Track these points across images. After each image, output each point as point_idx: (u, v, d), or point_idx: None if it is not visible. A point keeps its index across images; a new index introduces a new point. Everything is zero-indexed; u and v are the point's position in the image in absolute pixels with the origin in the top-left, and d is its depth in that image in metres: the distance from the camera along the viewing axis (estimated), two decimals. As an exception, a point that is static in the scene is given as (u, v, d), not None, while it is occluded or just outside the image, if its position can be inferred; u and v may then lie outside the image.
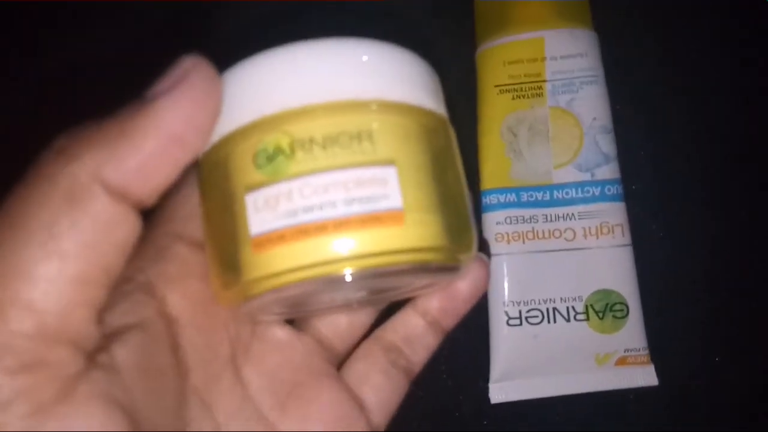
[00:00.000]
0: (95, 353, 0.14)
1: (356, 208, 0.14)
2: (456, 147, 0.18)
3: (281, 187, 0.15)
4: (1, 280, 0.13)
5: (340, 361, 0.21)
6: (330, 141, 0.15)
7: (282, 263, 0.15)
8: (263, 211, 0.15)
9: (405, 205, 0.15)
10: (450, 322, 0.21)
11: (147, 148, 0.14)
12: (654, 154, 0.30)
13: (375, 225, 0.14)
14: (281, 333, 0.20)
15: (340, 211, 0.14)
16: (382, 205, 0.15)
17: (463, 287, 0.20)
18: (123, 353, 0.15)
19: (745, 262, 0.29)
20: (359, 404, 0.20)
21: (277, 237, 0.15)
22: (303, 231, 0.14)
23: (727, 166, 0.30)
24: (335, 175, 0.15)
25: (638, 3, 0.32)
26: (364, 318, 0.21)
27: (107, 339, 0.15)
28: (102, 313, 0.14)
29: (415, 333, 0.21)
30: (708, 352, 0.29)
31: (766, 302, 0.29)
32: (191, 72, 0.14)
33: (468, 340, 0.29)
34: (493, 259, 0.29)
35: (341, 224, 0.14)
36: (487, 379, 0.28)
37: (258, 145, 0.15)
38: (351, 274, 0.15)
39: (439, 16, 0.32)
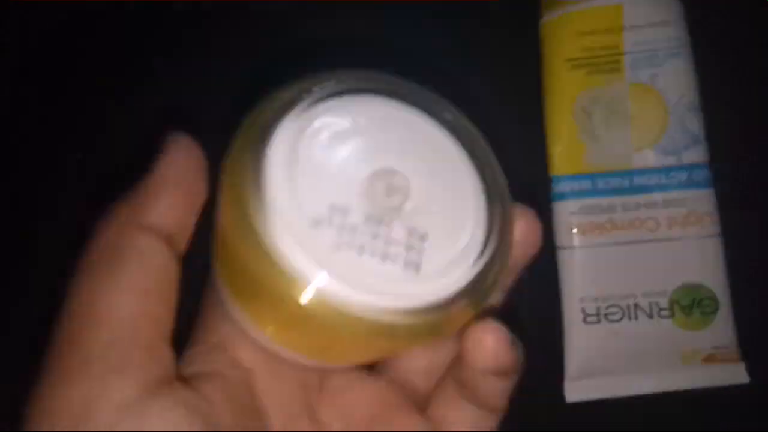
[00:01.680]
0: (176, 377, 0.16)
1: None
2: None
3: None
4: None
5: (426, 400, 0.20)
6: None
7: None
8: None
9: None
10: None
11: (165, 192, 0.16)
12: (746, 134, 0.27)
13: None
14: (352, 372, 0.20)
15: None
16: None
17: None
18: (209, 387, 0.16)
19: None
20: None
21: None
22: None
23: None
24: None
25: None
26: (445, 355, 0.20)
27: (189, 378, 0.16)
28: (171, 341, 0.16)
29: (480, 383, 0.19)
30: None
31: None
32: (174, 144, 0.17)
33: (541, 338, 0.27)
34: (567, 252, 0.26)
35: None
36: (561, 378, 0.26)
37: None
38: None
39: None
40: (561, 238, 0.27)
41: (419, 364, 0.20)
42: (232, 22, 0.29)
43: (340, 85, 0.17)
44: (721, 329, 0.26)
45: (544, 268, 0.27)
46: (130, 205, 0.16)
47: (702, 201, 0.26)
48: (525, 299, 0.28)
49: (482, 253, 0.16)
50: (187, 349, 0.18)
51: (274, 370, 0.18)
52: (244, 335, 0.18)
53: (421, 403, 0.20)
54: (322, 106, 0.16)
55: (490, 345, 0.17)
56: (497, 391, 0.18)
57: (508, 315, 0.28)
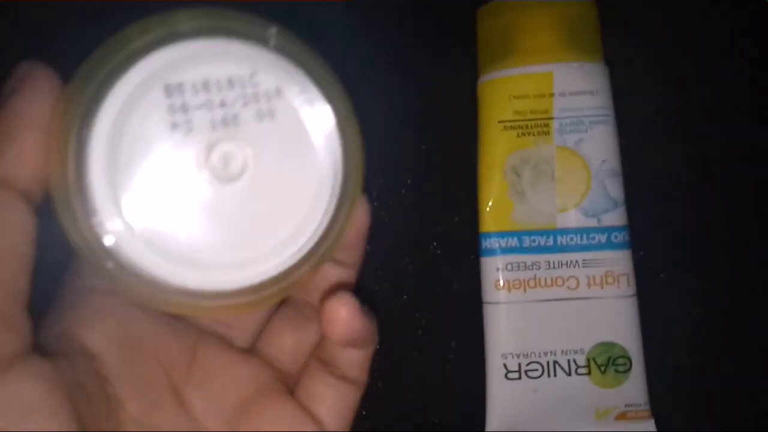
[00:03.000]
0: (33, 347, 0.15)
1: None
2: None
3: None
4: None
5: (294, 381, 0.22)
6: None
7: None
8: None
9: None
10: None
11: (18, 139, 0.15)
12: (663, 198, 0.29)
13: None
14: (224, 355, 0.20)
15: None
16: None
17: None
18: (52, 368, 0.16)
19: (754, 311, 0.28)
20: (311, 416, 0.20)
21: None
22: None
23: (743, 210, 0.29)
24: None
25: (650, 30, 0.30)
26: (310, 335, 0.22)
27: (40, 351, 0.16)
28: (26, 303, 0.15)
29: (339, 355, 0.21)
30: (709, 403, 0.28)
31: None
32: (29, 74, 0.15)
33: (463, 392, 0.28)
34: (492, 308, 0.27)
35: None
36: (482, 432, 0.27)
37: None
38: None
39: (440, 39, 0.30)
40: (487, 294, 0.27)
41: (285, 344, 0.21)
42: None
43: (192, 24, 0.15)
44: (634, 388, 0.27)
45: (470, 322, 0.28)
46: None
47: (620, 262, 0.27)
48: (450, 353, 0.28)
49: (302, 247, 0.16)
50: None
51: (128, 356, 0.18)
52: (93, 322, 0.18)
53: (290, 383, 0.21)
54: (167, 57, 0.15)
55: (344, 315, 0.18)
56: (356, 362, 0.20)
57: (432, 366, 0.29)
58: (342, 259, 0.21)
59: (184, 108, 0.15)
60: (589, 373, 0.27)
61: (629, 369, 0.27)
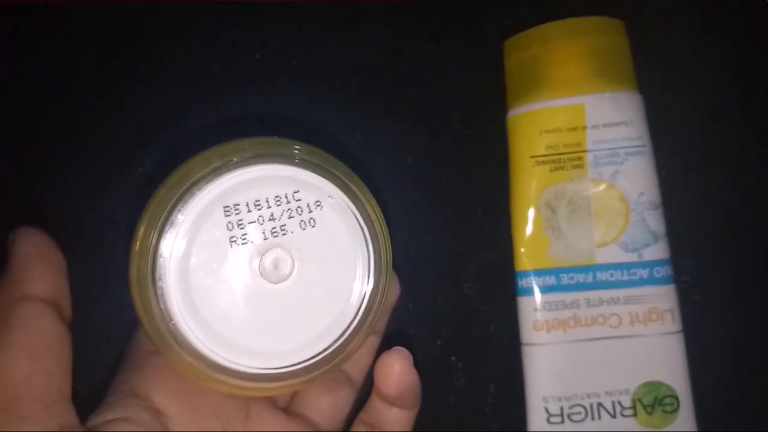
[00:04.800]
0: (78, 427, 0.17)
1: None
2: None
3: None
4: None
5: None
6: None
7: None
8: None
9: None
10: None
11: (32, 264, 0.18)
12: (705, 230, 0.28)
13: None
14: (273, 416, 0.22)
15: None
16: None
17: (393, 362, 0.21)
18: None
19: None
20: None
21: None
22: None
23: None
24: None
25: (686, 55, 0.29)
26: (344, 397, 0.23)
27: (97, 428, 0.18)
28: (70, 396, 0.17)
29: (385, 417, 0.22)
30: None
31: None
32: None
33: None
34: (531, 350, 0.26)
35: None
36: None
37: None
38: None
39: (467, 72, 0.29)
40: (526, 335, 0.26)
41: (322, 407, 0.23)
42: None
43: (247, 155, 0.18)
44: (683, 427, 0.26)
45: (509, 365, 0.27)
46: (4, 284, 0.18)
47: (663, 298, 0.26)
48: (489, 397, 0.27)
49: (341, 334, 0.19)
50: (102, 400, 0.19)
51: (191, 412, 0.20)
52: (157, 380, 0.20)
53: None
54: (226, 184, 0.18)
55: (398, 370, 0.21)
56: (400, 423, 0.22)
57: (471, 412, 0.28)
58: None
59: (240, 224, 0.18)
60: (635, 415, 0.26)
61: (677, 409, 0.26)
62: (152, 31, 0.27)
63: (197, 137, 0.20)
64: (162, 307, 0.17)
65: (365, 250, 0.19)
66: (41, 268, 0.18)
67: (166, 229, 0.17)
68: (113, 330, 0.24)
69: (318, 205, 0.19)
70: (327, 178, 0.19)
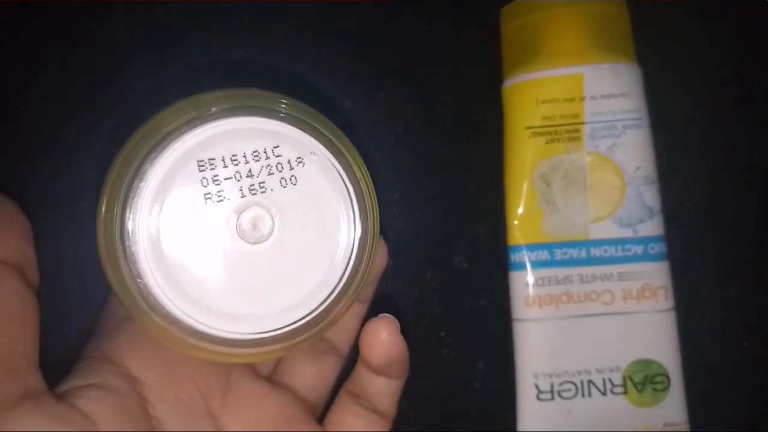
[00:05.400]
0: (45, 392, 0.17)
1: None
2: None
3: None
4: None
5: (317, 412, 0.23)
6: None
7: None
8: None
9: None
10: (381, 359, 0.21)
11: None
12: (702, 207, 0.27)
13: None
14: (256, 385, 0.21)
15: None
16: None
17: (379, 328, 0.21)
18: (88, 398, 0.17)
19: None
20: None
21: None
22: None
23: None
24: None
25: (685, 28, 0.28)
26: (329, 367, 0.23)
27: (66, 395, 0.17)
28: (36, 364, 0.17)
29: (371, 386, 0.22)
30: (751, 422, 0.27)
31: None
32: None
33: (493, 414, 0.26)
34: (522, 325, 0.26)
35: None
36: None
37: None
38: None
39: (462, 41, 0.28)
40: (517, 310, 0.26)
41: (306, 376, 0.22)
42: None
43: (224, 106, 0.17)
44: (673, 406, 0.26)
45: (499, 341, 0.26)
46: None
47: (657, 275, 0.26)
48: (478, 373, 0.27)
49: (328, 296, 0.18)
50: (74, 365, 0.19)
51: (168, 379, 0.19)
52: (132, 346, 0.19)
53: (315, 414, 0.22)
54: (199, 137, 0.17)
55: (384, 338, 0.20)
56: (387, 393, 0.21)
57: (460, 388, 0.28)
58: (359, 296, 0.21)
59: (216, 179, 0.17)
60: (625, 392, 0.26)
61: (668, 387, 0.26)
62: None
63: (173, 91, 0.18)
64: (131, 266, 0.16)
65: (350, 211, 0.18)
66: (4, 231, 0.17)
67: (135, 184, 0.16)
68: (92, 294, 0.23)
69: (300, 162, 0.17)
70: (309, 133, 0.18)
